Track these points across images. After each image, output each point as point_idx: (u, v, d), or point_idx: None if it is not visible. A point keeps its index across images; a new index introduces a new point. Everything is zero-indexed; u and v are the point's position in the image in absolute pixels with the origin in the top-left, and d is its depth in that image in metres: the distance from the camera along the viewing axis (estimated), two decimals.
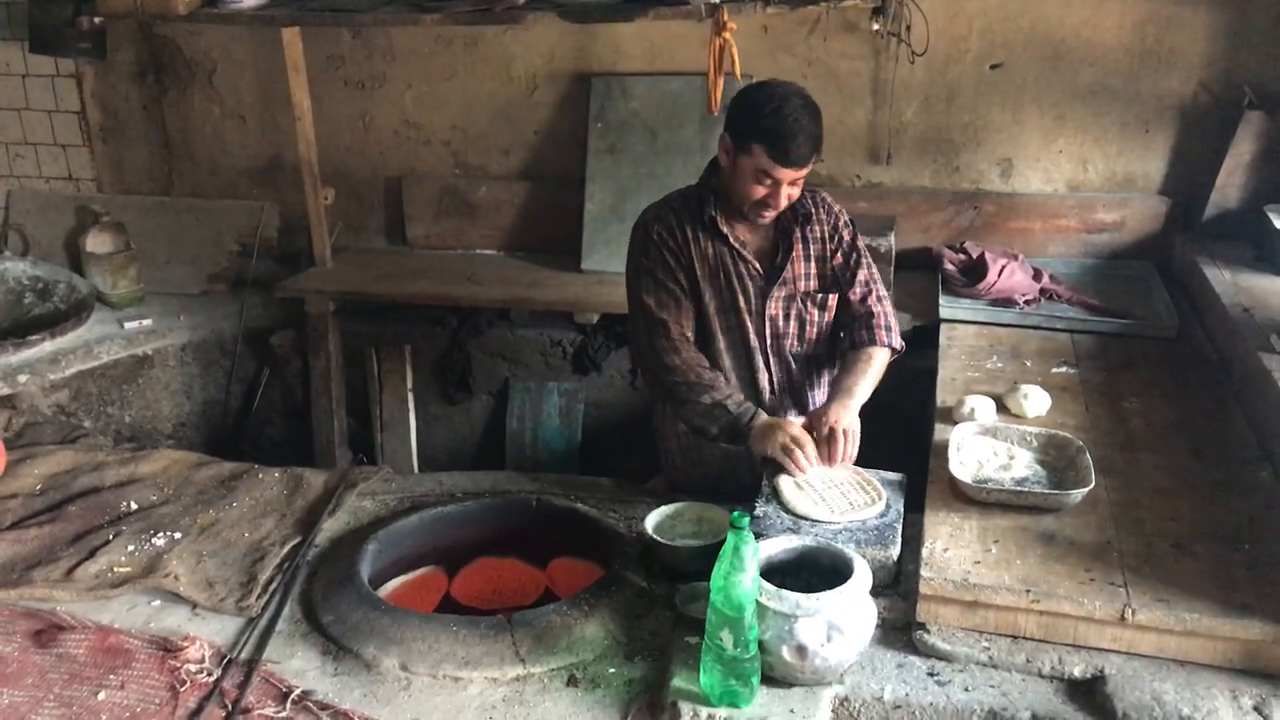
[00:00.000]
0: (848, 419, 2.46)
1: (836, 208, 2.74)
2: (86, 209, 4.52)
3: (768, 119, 2.44)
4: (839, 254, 2.70)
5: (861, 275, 2.71)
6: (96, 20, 4.13)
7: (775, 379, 2.73)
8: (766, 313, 2.68)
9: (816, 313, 2.72)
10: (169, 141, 4.71)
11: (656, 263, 2.64)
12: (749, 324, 2.68)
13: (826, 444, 2.41)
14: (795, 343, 2.73)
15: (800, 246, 2.68)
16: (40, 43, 4.33)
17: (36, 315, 4.25)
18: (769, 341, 2.70)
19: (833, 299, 2.72)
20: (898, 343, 2.70)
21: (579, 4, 3.54)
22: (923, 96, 3.88)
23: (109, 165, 4.78)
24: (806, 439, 2.41)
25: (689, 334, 2.64)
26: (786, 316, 2.70)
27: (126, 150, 4.75)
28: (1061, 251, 3.87)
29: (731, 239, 2.63)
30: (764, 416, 2.51)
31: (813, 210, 2.68)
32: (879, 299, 2.72)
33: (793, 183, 2.50)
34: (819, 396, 2.80)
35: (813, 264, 2.70)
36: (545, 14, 3.60)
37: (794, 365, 2.74)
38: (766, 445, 2.43)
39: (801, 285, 2.69)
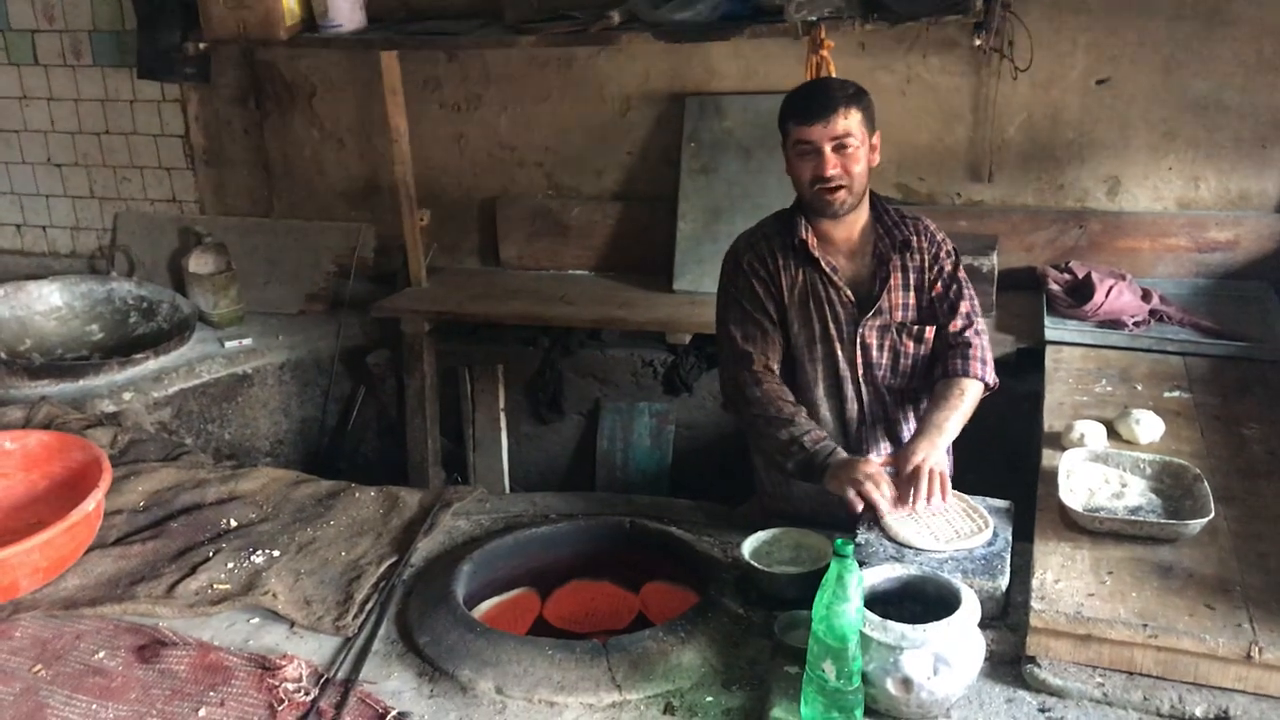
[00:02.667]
0: (935, 457, 2.36)
1: (940, 236, 2.65)
2: (189, 230, 4.64)
3: (790, 94, 2.51)
4: (939, 284, 2.61)
5: (963, 307, 2.60)
6: (201, 46, 4.23)
7: (867, 410, 2.65)
8: (859, 342, 2.60)
9: (912, 345, 2.63)
10: (269, 164, 4.80)
11: (744, 293, 2.60)
12: (840, 353, 2.61)
13: (910, 484, 2.29)
14: (889, 374, 2.65)
15: (899, 275, 2.59)
16: (147, 68, 4.47)
17: (141, 334, 4.36)
18: (861, 371, 2.62)
19: (930, 331, 2.62)
20: (992, 378, 2.59)
21: (673, 24, 3.52)
22: (1025, 113, 3.79)
23: (211, 187, 4.90)
24: (882, 477, 2.30)
25: (774, 366, 2.59)
26: (880, 347, 2.62)
27: (228, 173, 4.86)
28: (1171, 271, 3.74)
29: (824, 264, 2.57)
30: (841, 454, 2.41)
31: (913, 237, 2.59)
32: (977, 332, 2.61)
33: (837, 148, 2.43)
34: (912, 430, 2.71)
35: (911, 294, 2.61)
36: (640, 34, 3.60)
37: (887, 397, 2.66)
38: (838, 484, 2.33)
39: (898, 315, 2.61)
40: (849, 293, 2.59)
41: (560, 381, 4.43)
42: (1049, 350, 3.23)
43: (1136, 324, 3.30)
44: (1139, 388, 2.93)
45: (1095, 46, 3.66)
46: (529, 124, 4.41)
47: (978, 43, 3.61)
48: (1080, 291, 3.45)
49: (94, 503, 2.37)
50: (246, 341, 4.29)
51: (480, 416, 4.54)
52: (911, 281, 2.61)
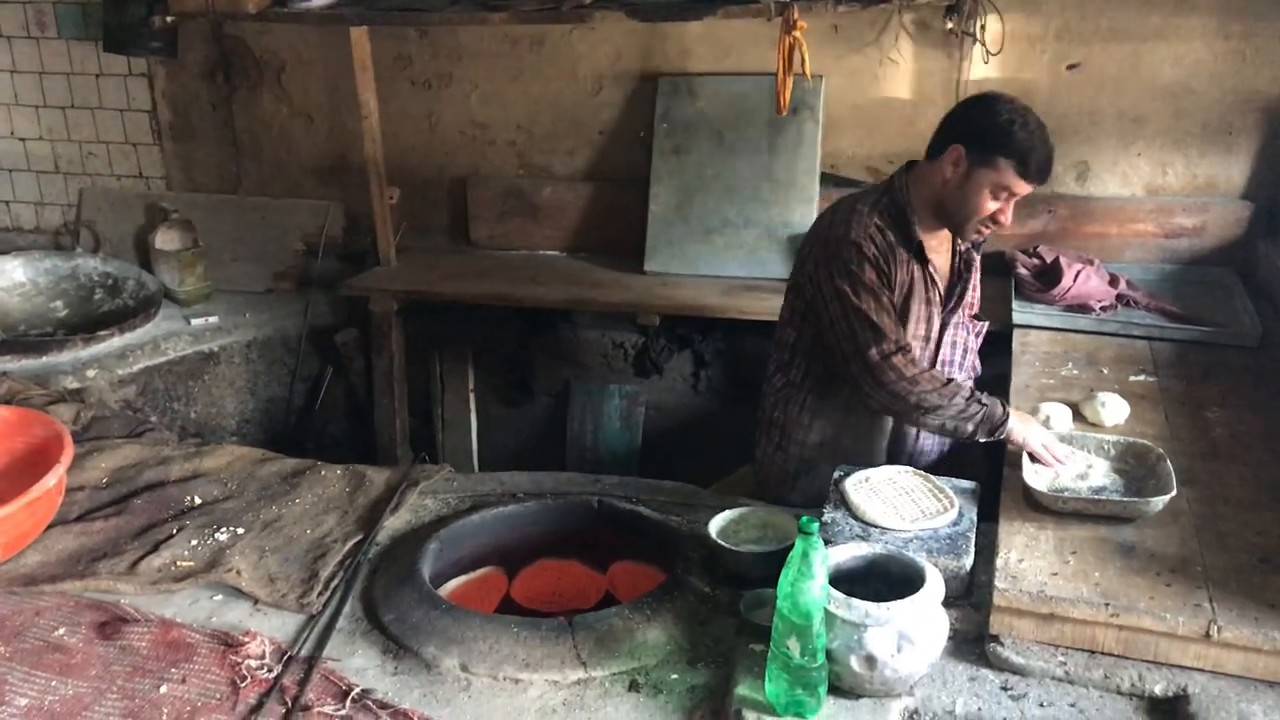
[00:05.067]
0: None
1: None
2: (156, 207, 4.59)
3: (1017, 133, 2.41)
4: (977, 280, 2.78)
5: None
6: (168, 20, 4.19)
7: None
8: (945, 339, 2.69)
9: (974, 341, 2.78)
10: (237, 140, 4.75)
11: (877, 284, 2.57)
12: (926, 351, 2.68)
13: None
14: (957, 370, 2.75)
15: (971, 275, 2.72)
16: (113, 42, 4.40)
17: (106, 311, 4.32)
18: (942, 369, 2.71)
19: (984, 327, 2.83)
20: None
21: (647, 2, 3.51)
22: None
23: (178, 163, 4.84)
24: (1055, 439, 2.41)
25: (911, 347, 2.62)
26: (953, 344, 2.73)
27: (195, 149, 4.81)
28: (1139, 257, 3.77)
29: (930, 265, 2.63)
30: (1013, 410, 2.48)
31: (985, 238, 2.72)
32: None
33: (1018, 201, 2.51)
34: None
35: (974, 292, 2.76)
36: (613, 13, 3.58)
37: None
38: (1029, 440, 2.37)
39: (968, 312, 2.74)
40: (941, 291, 2.68)
41: (530, 362, 4.41)
42: (1016, 334, 3.24)
43: (1103, 308, 3.32)
44: (1105, 371, 2.95)
45: (1066, 31, 3.67)
46: (500, 102, 4.38)
47: (950, 26, 3.64)
48: (1048, 276, 3.47)
49: (55, 479, 2.34)
50: (213, 319, 4.25)
51: (449, 397, 4.52)
52: (976, 280, 2.76)
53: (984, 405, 2.45)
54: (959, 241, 2.69)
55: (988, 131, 2.45)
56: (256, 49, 4.57)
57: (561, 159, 4.41)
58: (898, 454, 2.77)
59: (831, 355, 2.65)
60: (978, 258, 2.76)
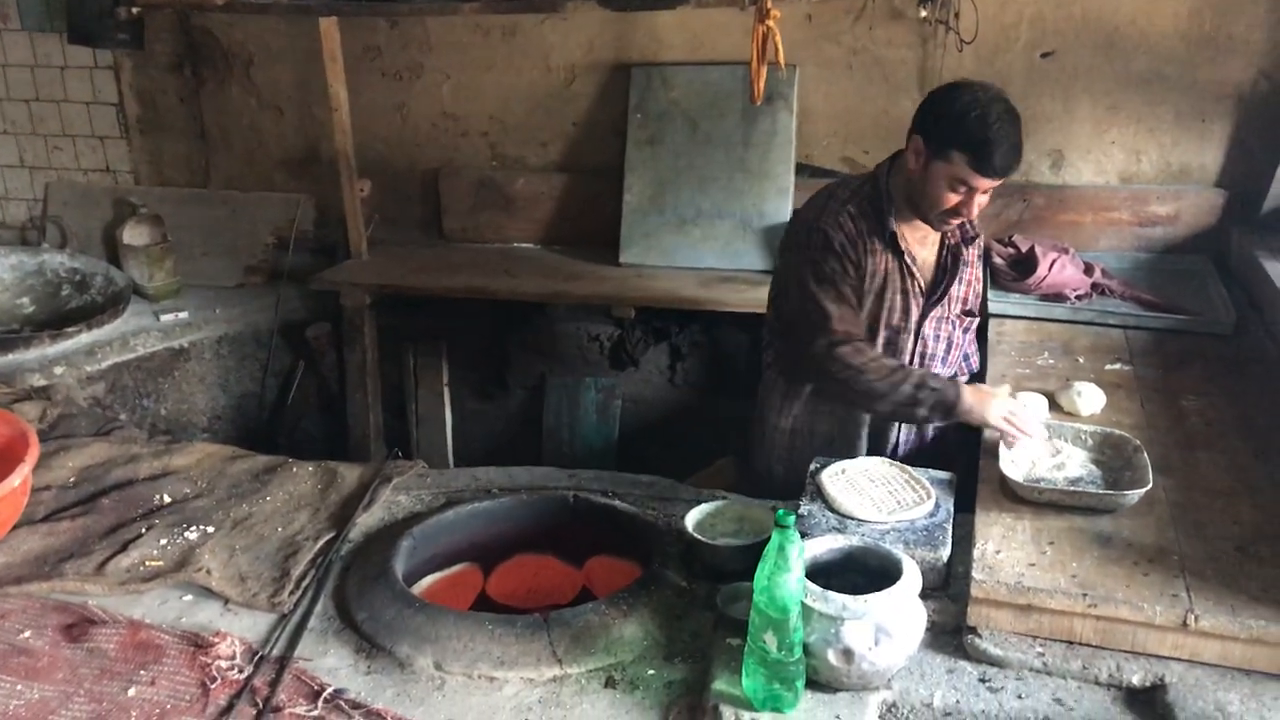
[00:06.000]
0: None
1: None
2: (124, 201, 4.53)
3: (971, 125, 2.34)
4: (980, 278, 2.75)
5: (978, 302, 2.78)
6: (134, 11, 4.13)
7: None
8: (923, 331, 2.66)
9: (961, 336, 2.74)
10: (206, 133, 4.70)
11: (840, 275, 2.57)
12: (904, 342, 2.66)
13: None
14: (940, 364, 2.72)
15: (964, 269, 2.67)
16: (78, 34, 4.33)
17: (74, 307, 4.26)
18: (918, 361, 2.69)
19: (975, 323, 2.77)
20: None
21: None
22: None
23: (146, 157, 4.78)
24: (1020, 406, 2.41)
25: (863, 336, 2.61)
26: (937, 337, 2.70)
27: (164, 142, 4.75)
28: (1113, 245, 3.78)
29: (907, 255, 2.59)
30: (967, 387, 2.46)
31: (981, 235, 2.71)
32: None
33: (985, 192, 2.44)
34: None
35: (966, 286, 2.70)
36: (585, 2, 3.56)
37: None
38: (987, 414, 2.38)
39: (955, 307, 2.69)
40: (922, 283, 2.64)
41: (505, 356, 4.39)
42: (992, 323, 3.24)
43: (1079, 297, 3.32)
44: (1081, 360, 2.95)
45: (1040, 19, 3.67)
46: (472, 93, 4.34)
47: (923, 15, 3.63)
48: (1024, 265, 3.47)
49: (20, 478, 2.30)
50: (183, 315, 4.20)
51: (423, 392, 4.49)
52: (970, 275, 2.70)
53: (934, 390, 2.45)
54: (947, 234, 2.66)
55: (944, 123, 2.41)
56: (224, 40, 4.52)
57: (535, 150, 4.38)
58: (880, 442, 2.77)
59: (793, 340, 2.67)
60: (970, 251, 2.68)
